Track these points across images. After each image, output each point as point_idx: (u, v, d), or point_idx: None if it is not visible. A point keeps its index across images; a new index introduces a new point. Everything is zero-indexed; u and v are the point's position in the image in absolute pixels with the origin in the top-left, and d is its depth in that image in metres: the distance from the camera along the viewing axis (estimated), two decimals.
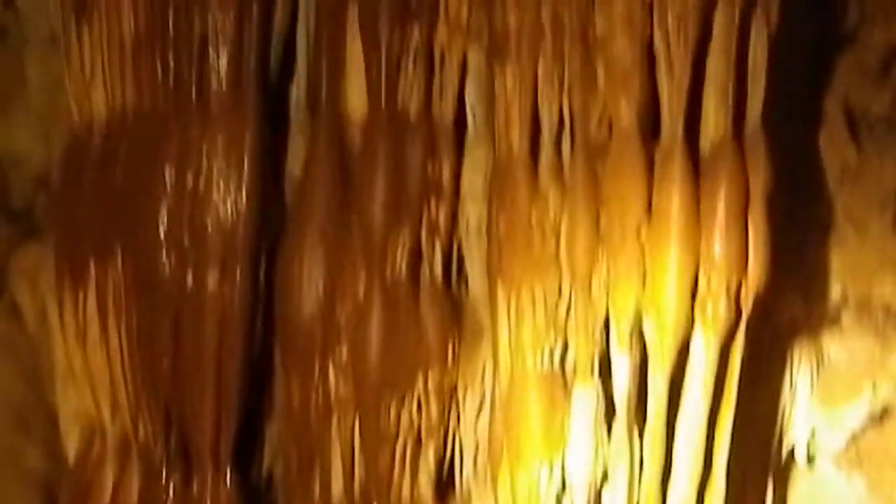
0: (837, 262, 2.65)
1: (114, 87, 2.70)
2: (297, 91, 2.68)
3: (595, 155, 2.40)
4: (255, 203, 2.59)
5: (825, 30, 2.58)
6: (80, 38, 2.77)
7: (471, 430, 2.58)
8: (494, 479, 2.53)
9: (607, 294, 2.40)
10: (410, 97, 2.54)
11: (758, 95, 2.39)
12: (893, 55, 2.57)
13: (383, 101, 2.54)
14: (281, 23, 2.67)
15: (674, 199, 2.37)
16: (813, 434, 2.68)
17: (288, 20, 2.68)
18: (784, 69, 2.45)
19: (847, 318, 2.64)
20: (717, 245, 2.38)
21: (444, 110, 2.56)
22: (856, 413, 2.65)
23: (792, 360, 2.66)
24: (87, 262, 2.67)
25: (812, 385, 2.66)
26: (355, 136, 2.57)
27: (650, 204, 2.38)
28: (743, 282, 2.39)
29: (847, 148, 2.61)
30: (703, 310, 2.39)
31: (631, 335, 2.40)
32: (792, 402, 2.66)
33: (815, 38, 2.57)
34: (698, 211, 2.38)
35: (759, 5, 2.35)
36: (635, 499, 2.45)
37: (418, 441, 2.54)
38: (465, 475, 2.60)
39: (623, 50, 2.36)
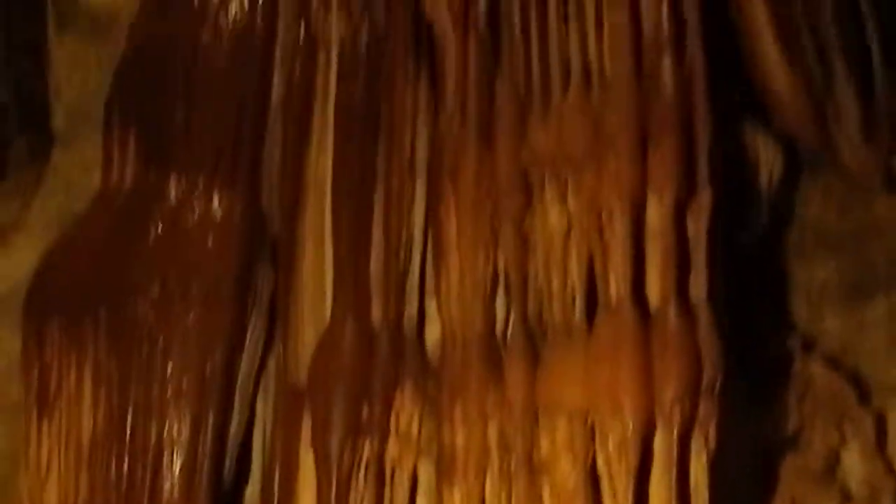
0: None
1: (67, 486, 2.74)
2: (251, 497, 2.74)
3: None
4: None
5: (768, 433, 2.64)
6: (39, 434, 2.83)
7: None
8: None
9: None
10: None
11: None
12: (836, 458, 2.62)
13: None
14: (237, 430, 2.74)
15: None
16: None
17: (244, 427, 2.76)
18: (729, 477, 2.50)
19: None
20: None
21: None
22: None
23: None
24: None
25: None
26: None
27: None
28: None
29: None
30: None
31: None
32: None
33: (758, 442, 2.63)
34: None
35: (698, 427, 2.40)
36: None
37: None
38: None
39: (566, 473, 2.41)
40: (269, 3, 2.88)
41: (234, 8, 2.91)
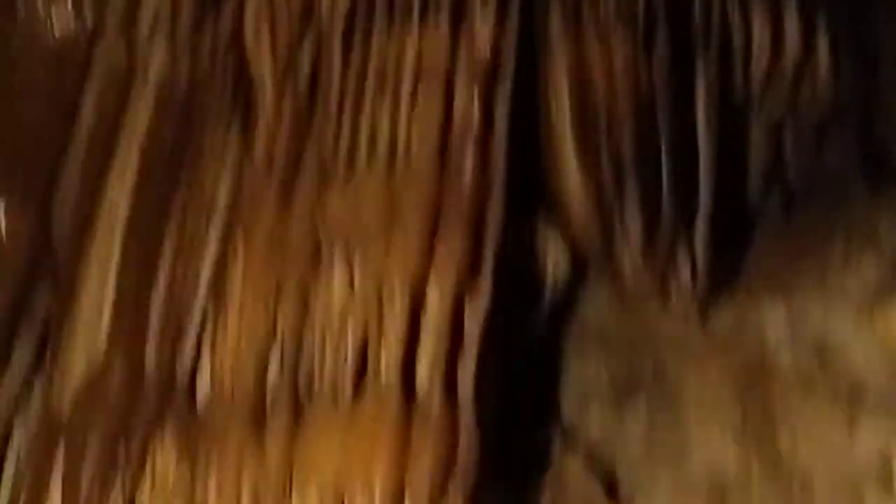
0: None
1: None
2: None
3: None
4: None
5: None
6: None
7: None
8: None
9: None
10: None
11: None
12: None
13: None
14: None
15: None
16: None
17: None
18: None
19: None
20: None
21: None
22: None
23: None
24: None
25: None
26: None
27: None
28: None
29: None
30: None
31: None
32: None
33: None
34: None
35: None
36: None
37: None
38: None
39: None
40: (95, 23, 2.88)
41: (58, 21, 2.90)
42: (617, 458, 2.78)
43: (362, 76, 2.66)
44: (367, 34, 2.70)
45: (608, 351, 2.87)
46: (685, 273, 2.75)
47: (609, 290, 2.83)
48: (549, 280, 2.74)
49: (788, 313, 2.83)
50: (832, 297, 2.85)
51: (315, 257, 2.57)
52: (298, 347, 2.53)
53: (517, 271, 2.64)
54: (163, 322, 2.63)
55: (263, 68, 2.74)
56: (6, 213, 2.75)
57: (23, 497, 2.60)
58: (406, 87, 2.62)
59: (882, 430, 2.69)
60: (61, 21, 2.90)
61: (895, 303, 2.79)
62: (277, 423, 2.50)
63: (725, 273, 2.81)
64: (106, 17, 2.91)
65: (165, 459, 2.55)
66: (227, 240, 2.65)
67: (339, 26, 2.72)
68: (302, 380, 2.52)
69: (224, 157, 2.74)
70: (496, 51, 2.66)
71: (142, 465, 2.55)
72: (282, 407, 2.50)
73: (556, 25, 2.74)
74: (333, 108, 2.64)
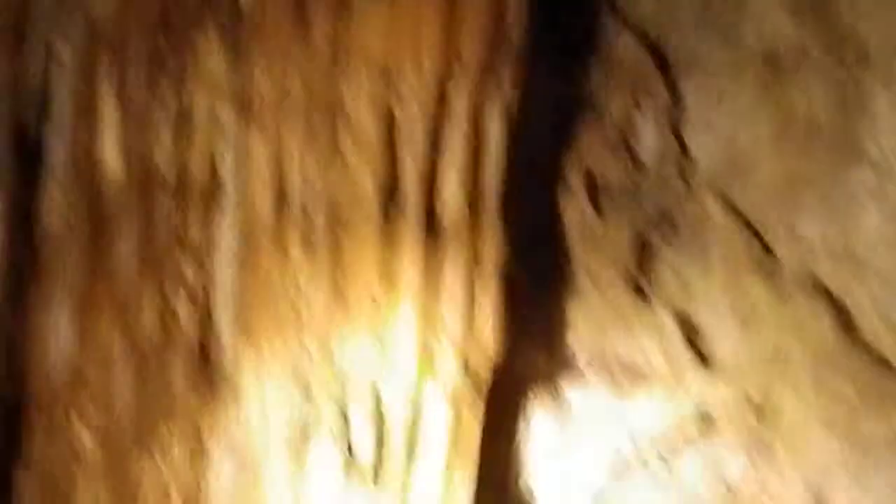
0: (578, 317, 2.78)
1: None
2: (53, 142, 2.69)
3: (337, 223, 2.47)
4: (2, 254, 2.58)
5: (568, 94, 2.69)
6: None
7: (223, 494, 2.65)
8: None
9: (345, 355, 2.49)
10: (164, 156, 2.54)
11: (494, 168, 2.49)
12: (632, 127, 2.69)
13: (138, 159, 2.54)
14: (36, 69, 2.66)
15: (408, 269, 2.47)
16: (557, 487, 2.80)
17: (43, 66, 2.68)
18: (527, 134, 2.55)
19: (586, 370, 2.78)
20: (450, 313, 2.49)
21: (199, 171, 2.57)
22: (596, 466, 2.79)
23: (533, 412, 2.79)
24: None
25: (553, 438, 2.78)
26: (109, 192, 2.58)
27: (388, 271, 2.47)
28: (476, 348, 2.50)
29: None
30: (437, 373, 2.49)
31: (369, 395, 2.50)
32: (533, 455, 2.78)
33: (557, 103, 2.68)
34: (433, 280, 2.48)
35: (494, 78, 2.43)
36: None
37: (166, 497, 2.59)
38: None
39: (366, 124, 2.43)
40: None
41: None
42: (669, 31, 2.73)
43: None
44: None
45: None
46: None
47: None
48: None
49: None
50: None
51: None
52: None
53: None
54: None
55: None
56: None
57: (74, 108, 2.61)
58: None
59: None
60: None
61: None
62: (322, 13, 2.46)
63: None
64: None
65: (210, 55, 2.54)
66: None
67: None
68: None
69: None
70: None
71: (187, 64, 2.54)
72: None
73: None
74: None
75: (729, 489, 2.71)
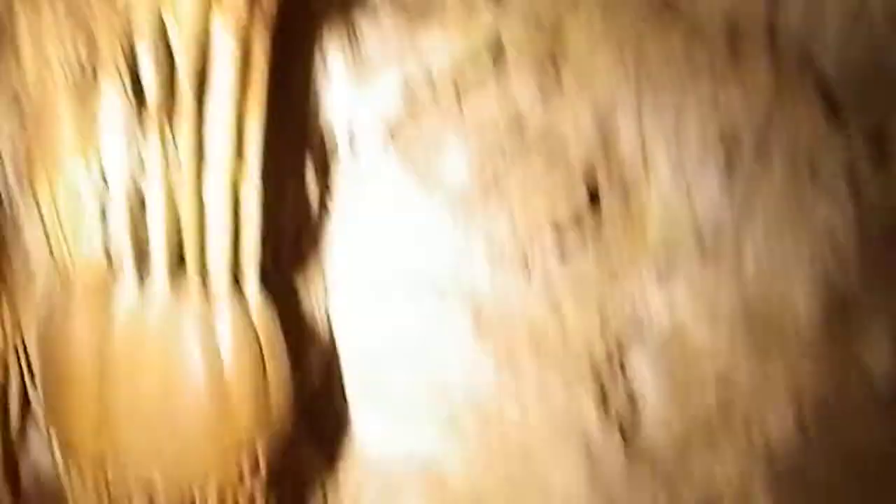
0: None
1: None
2: None
3: None
4: None
5: None
6: None
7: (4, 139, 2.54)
8: (33, 186, 2.52)
9: None
10: None
11: None
12: None
13: None
14: None
15: None
16: (352, 120, 2.78)
17: None
18: None
19: (380, 2, 2.72)
20: None
21: None
22: (392, 97, 2.77)
23: (325, 42, 2.70)
24: None
25: (345, 67, 2.73)
26: None
27: None
28: None
29: None
30: (224, 5, 2.40)
31: (152, 27, 2.40)
32: (328, 86, 2.73)
33: None
34: None
35: None
36: (173, 191, 2.51)
37: None
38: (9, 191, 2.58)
39: None
40: None
41: None
42: None
43: None
44: None
45: None
46: None
47: None
48: None
49: None
50: None
51: None
52: None
53: None
54: None
55: None
56: None
57: None
58: None
59: None
60: None
61: None
62: None
63: None
64: None
65: None
66: None
67: None
68: None
69: None
70: None
71: None
72: None
73: None
74: None
75: (519, 121, 2.75)
